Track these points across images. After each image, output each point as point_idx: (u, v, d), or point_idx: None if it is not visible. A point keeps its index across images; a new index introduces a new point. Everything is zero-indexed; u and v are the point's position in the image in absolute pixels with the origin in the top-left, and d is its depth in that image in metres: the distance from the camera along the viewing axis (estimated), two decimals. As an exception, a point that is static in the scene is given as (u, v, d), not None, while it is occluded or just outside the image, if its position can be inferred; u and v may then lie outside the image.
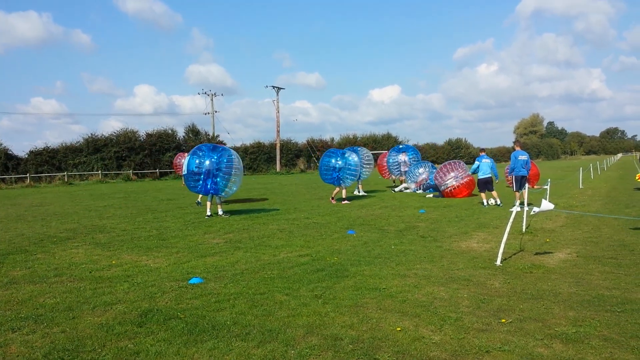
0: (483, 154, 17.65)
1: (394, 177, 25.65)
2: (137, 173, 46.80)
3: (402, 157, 24.33)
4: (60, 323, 5.29)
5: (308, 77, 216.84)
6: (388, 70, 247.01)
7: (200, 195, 18.73)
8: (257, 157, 57.72)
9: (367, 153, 22.46)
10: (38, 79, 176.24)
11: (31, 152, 44.92)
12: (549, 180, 16.83)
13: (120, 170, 46.00)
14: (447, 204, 17.29)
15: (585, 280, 6.82)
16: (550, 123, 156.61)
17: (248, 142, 59.92)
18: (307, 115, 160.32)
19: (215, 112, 58.79)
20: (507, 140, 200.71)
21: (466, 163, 20.91)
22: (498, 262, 7.80)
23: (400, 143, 67.13)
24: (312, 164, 61.20)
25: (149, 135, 50.04)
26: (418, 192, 22.15)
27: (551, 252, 8.71)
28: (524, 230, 10.82)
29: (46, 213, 16.84)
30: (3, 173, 41.85)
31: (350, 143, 62.50)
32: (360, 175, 21.23)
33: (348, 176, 18.28)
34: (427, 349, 4.48)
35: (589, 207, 15.52)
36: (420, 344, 4.57)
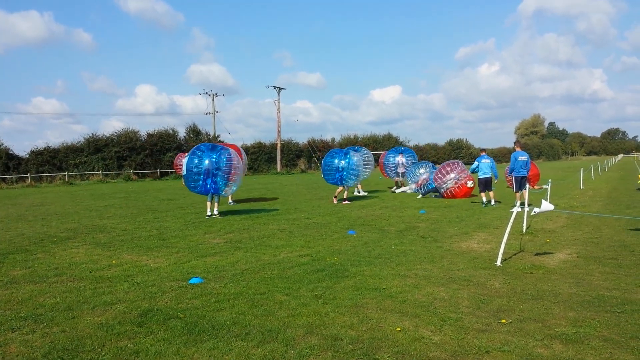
0: (484, 154, 17.67)
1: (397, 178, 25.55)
2: (138, 173, 46.84)
3: (400, 159, 24.24)
4: (60, 323, 5.29)
5: (309, 77, 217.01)
6: (389, 70, 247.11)
7: (230, 197, 18.85)
8: (258, 157, 57.76)
9: (367, 153, 22.45)
10: (39, 79, 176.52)
11: (32, 151, 44.98)
12: (549, 180, 16.82)
13: (121, 170, 46.04)
14: (448, 204, 17.29)
15: (585, 280, 6.81)
16: (552, 123, 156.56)
17: (249, 142, 60.01)
18: (308, 115, 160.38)
19: (217, 112, 58.82)
20: (508, 140, 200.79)
21: (467, 164, 20.86)
22: (498, 263, 7.79)
23: (401, 143, 67.24)
24: (312, 164, 61.20)
25: (149, 135, 50.10)
26: (419, 194, 22.05)
27: (551, 253, 8.71)
28: (524, 230, 10.82)
29: (47, 213, 16.85)
30: (4, 173, 41.89)
31: (351, 143, 62.48)
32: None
33: (351, 176, 18.28)
34: (427, 349, 4.47)
35: (590, 208, 15.51)
36: (420, 344, 4.57)
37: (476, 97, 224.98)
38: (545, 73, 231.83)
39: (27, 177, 40.55)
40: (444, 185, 19.44)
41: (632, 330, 4.85)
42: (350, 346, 4.55)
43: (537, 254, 8.60)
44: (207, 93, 59.07)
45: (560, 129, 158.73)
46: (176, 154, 42.35)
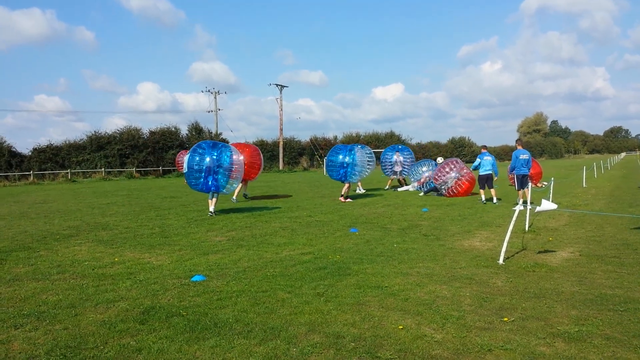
0: (485, 151, 17.72)
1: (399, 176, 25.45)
2: (140, 171, 46.86)
3: (397, 157, 24.03)
4: (62, 320, 5.30)
5: (311, 75, 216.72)
6: (391, 69, 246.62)
7: (236, 193, 18.94)
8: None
9: (368, 151, 22.40)
10: (41, 76, 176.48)
11: (35, 149, 45.01)
12: (552, 178, 16.80)
13: (123, 168, 46.07)
14: (450, 202, 17.28)
15: (588, 279, 6.80)
16: (554, 122, 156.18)
17: (251, 140, 59.94)
18: (310, 114, 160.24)
19: (219, 109, 58.84)
20: (510, 138, 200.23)
21: (469, 161, 20.85)
22: (501, 261, 7.79)
23: (403, 141, 67.18)
24: (315, 162, 61.20)
25: (152, 133, 50.08)
26: (421, 191, 22.00)
27: (554, 251, 8.70)
28: (526, 229, 10.81)
29: (49, 210, 16.88)
30: (7, 170, 41.94)
31: (354, 141, 62.45)
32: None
33: (355, 173, 18.26)
34: (429, 347, 4.47)
35: (593, 206, 15.48)
36: (423, 343, 4.57)
37: (479, 95, 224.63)
38: (547, 71, 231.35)
39: (30, 175, 40.60)
40: (444, 186, 19.41)
41: (635, 329, 4.84)
42: (353, 344, 4.55)
43: (539, 252, 8.59)
44: (209, 91, 59.09)
45: (563, 127, 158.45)
46: (178, 152, 42.39)
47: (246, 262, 8.09)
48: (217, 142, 14.59)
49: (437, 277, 6.92)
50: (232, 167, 14.01)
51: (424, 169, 22.77)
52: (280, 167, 57.02)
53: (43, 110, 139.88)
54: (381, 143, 65.19)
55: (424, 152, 69.98)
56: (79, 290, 6.46)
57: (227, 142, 52.22)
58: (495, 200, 16.93)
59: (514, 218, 8.27)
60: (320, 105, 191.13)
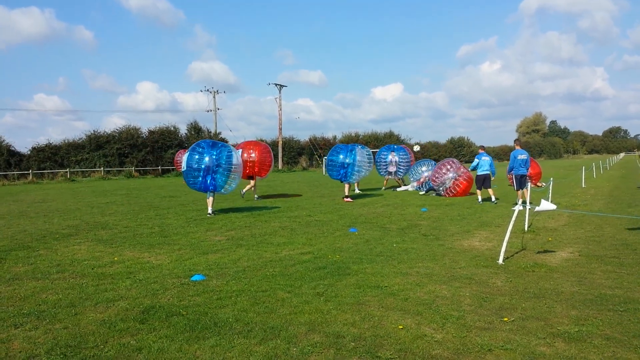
0: (482, 151, 17.82)
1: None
2: (139, 170, 46.86)
3: (392, 157, 23.81)
4: (62, 319, 5.30)
5: (310, 75, 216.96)
6: (391, 69, 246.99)
7: (246, 188, 19.21)
8: (259, 154, 57.61)
9: (367, 152, 22.37)
10: (41, 76, 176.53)
11: (34, 148, 45.00)
12: (551, 179, 16.81)
13: (122, 167, 46.06)
14: (449, 202, 17.29)
15: (587, 279, 6.81)
16: (553, 122, 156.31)
17: (250, 140, 59.89)
18: (309, 113, 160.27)
19: (218, 109, 58.84)
20: (509, 138, 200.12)
21: (468, 162, 20.87)
22: (500, 261, 7.79)
23: (402, 141, 67.16)
24: (314, 162, 61.19)
25: (151, 132, 50.08)
26: (420, 191, 21.98)
27: (553, 251, 8.70)
28: (526, 229, 10.82)
29: (48, 209, 16.86)
30: (6, 169, 41.92)
31: (353, 141, 62.47)
32: None
33: (355, 173, 18.23)
34: (429, 347, 4.48)
35: (592, 206, 15.50)
36: (422, 342, 4.57)
37: (478, 95, 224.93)
38: (547, 71, 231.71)
39: (29, 174, 40.59)
40: (442, 187, 19.43)
41: (635, 329, 4.85)
42: (353, 344, 4.55)
43: (539, 252, 8.59)
44: (208, 90, 59.22)
45: (562, 127, 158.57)
46: (177, 151, 42.36)
47: (246, 261, 8.09)
48: (217, 142, 14.57)
49: (437, 277, 6.93)
50: (231, 167, 13.99)
51: (424, 168, 22.77)
52: (280, 167, 57.01)
53: (42, 109, 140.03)
54: (380, 143, 65.14)
55: (424, 152, 69.98)
56: (79, 290, 6.46)
57: (227, 142, 52.32)
58: (493, 199, 16.98)
59: (514, 218, 8.27)
60: (320, 105, 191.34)
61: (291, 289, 6.39)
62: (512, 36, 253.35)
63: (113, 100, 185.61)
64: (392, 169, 23.70)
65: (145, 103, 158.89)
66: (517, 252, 8.60)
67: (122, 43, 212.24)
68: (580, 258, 8.15)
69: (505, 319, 5.19)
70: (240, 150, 19.39)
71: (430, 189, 20.54)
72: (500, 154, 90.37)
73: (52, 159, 44.97)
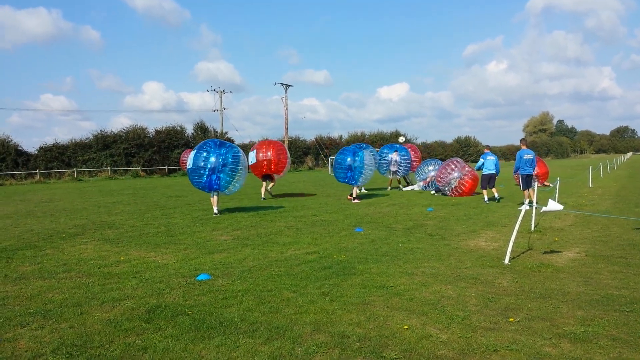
0: (488, 151, 17.84)
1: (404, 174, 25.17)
2: (146, 170, 47.00)
3: (393, 157, 23.41)
4: (68, 318, 5.32)
5: (316, 75, 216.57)
6: (396, 68, 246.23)
7: (263, 191, 19.46)
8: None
9: (373, 153, 22.30)
10: (47, 76, 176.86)
11: (41, 148, 45.19)
12: (558, 178, 16.75)
13: (129, 167, 46.22)
14: (455, 202, 17.25)
15: (594, 279, 6.78)
16: (560, 121, 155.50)
17: (256, 140, 59.94)
18: (315, 113, 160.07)
19: (224, 109, 58.94)
20: (516, 138, 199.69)
21: (474, 161, 20.82)
22: (506, 261, 7.77)
23: (409, 141, 67.02)
24: (320, 162, 61.20)
25: (157, 132, 50.23)
26: (429, 191, 21.91)
27: (560, 251, 8.67)
28: (532, 229, 10.77)
29: (55, 209, 16.94)
30: (13, 169, 42.12)
31: (358, 141, 62.45)
32: None
33: (361, 176, 18.15)
34: (434, 347, 4.47)
35: (599, 206, 15.42)
36: (428, 342, 4.56)
37: (484, 94, 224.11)
38: (553, 71, 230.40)
39: (36, 173, 40.78)
40: (448, 187, 19.40)
41: (641, 330, 4.82)
42: (358, 344, 4.55)
43: (545, 253, 8.56)
44: (214, 90, 59.23)
45: (569, 126, 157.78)
46: (183, 151, 42.45)
47: (251, 261, 8.10)
48: (224, 142, 14.58)
49: (443, 277, 6.91)
50: (237, 168, 13.99)
51: (430, 168, 22.71)
52: (286, 166, 56.90)
53: (49, 109, 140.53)
54: (386, 142, 65.08)
55: (430, 152, 69.88)
56: (85, 289, 6.48)
57: (233, 142, 52.44)
58: (497, 195, 17.09)
59: (520, 218, 8.24)
60: (325, 104, 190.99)
61: (296, 288, 6.39)
62: (518, 35, 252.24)
63: (119, 100, 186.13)
64: (393, 168, 23.53)
65: (151, 103, 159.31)
66: (523, 252, 8.57)
67: (129, 43, 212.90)
68: (586, 258, 8.12)
69: (511, 319, 5.17)
70: (255, 150, 19.62)
71: (437, 189, 20.48)
72: (506, 153, 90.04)
73: (59, 158, 45.14)
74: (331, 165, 33.60)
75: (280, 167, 19.63)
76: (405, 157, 23.56)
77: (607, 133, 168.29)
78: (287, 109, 58.83)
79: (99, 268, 7.71)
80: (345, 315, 5.32)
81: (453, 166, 19.72)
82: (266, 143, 20.20)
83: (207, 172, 13.72)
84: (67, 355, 4.35)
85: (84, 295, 6.21)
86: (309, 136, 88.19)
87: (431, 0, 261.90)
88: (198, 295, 6.13)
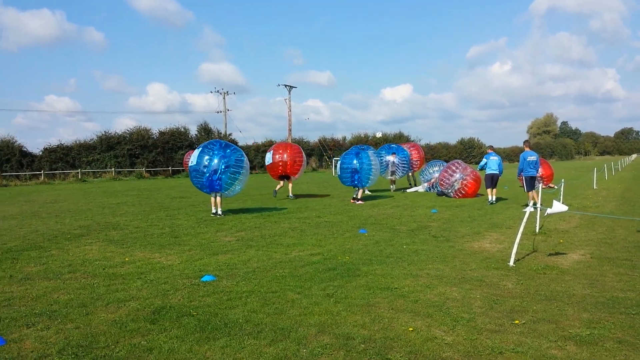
0: (491, 151, 17.83)
1: (410, 174, 25.04)
2: (150, 171, 47.11)
3: (391, 159, 23.31)
4: (74, 319, 5.33)
5: (319, 76, 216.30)
6: (400, 69, 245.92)
7: (278, 186, 19.84)
8: (269, 155, 57.71)
9: (375, 153, 22.27)
10: (52, 77, 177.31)
11: (45, 149, 45.35)
12: (563, 180, 16.71)
13: (133, 168, 46.33)
14: (459, 203, 17.22)
15: (599, 281, 6.76)
16: (564, 123, 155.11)
17: (260, 141, 60.02)
18: (319, 114, 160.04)
19: (228, 110, 59.04)
20: (519, 140, 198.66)
21: (478, 163, 20.79)
22: (511, 263, 7.75)
23: (411, 142, 66.91)
24: (323, 163, 61.20)
25: (161, 133, 50.35)
26: (433, 192, 21.90)
27: (565, 253, 8.65)
28: (537, 230, 10.75)
29: (60, 210, 16.99)
30: (18, 170, 42.27)
31: (362, 142, 62.41)
32: None
33: (371, 177, 18.14)
34: (439, 349, 4.46)
35: (603, 208, 15.38)
36: (433, 345, 4.55)
37: (488, 96, 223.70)
38: (557, 72, 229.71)
39: (41, 174, 40.90)
40: (451, 189, 19.38)
41: (648, 333, 4.80)
42: (363, 345, 4.55)
43: (550, 255, 8.54)
44: (218, 91, 59.43)
45: (573, 128, 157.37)
46: (187, 152, 42.48)
47: (256, 262, 8.10)
48: (229, 143, 14.59)
49: (447, 279, 6.90)
50: (240, 171, 13.98)
51: (435, 169, 22.69)
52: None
53: (53, 110, 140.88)
54: (391, 143, 64.95)
55: (433, 153, 69.82)
56: (90, 290, 6.50)
57: (237, 143, 52.56)
58: (494, 199, 17.12)
59: (525, 220, 8.22)
60: (329, 106, 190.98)
61: (301, 290, 6.39)
62: (522, 37, 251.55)
63: (123, 101, 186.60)
64: (391, 169, 23.40)
65: (155, 104, 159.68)
66: (528, 254, 8.55)
67: (132, 44, 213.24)
68: (592, 260, 8.09)
69: (516, 321, 5.16)
70: (272, 151, 19.95)
71: (440, 192, 20.46)
72: (510, 155, 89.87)
73: (64, 159, 45.30)
74: (335, 166, 33.57)
75: (295, 169, 19.99)
76: (404, 160, 23.40)
77: (612, 135, 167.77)
78: (290, 110, 58.91)
79: (104, 269, 7.72)
80: (350, 317, 5.32)
81: (454, 168, 19.73)
82: (283, 145, 20.65)
83: (209, 172, 13.70)
84: (73, 356, 4.36)
85: (89, 296, 6.23)
86: (313, 138, 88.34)
87: (434, 1, 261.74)
88: (203, 297, 6.14)
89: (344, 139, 67.39)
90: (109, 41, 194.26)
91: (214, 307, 5.72)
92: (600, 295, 6.11)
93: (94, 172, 44.50)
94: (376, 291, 6.30)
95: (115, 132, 48.15)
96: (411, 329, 4.95)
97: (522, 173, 15.51)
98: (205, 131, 54.33)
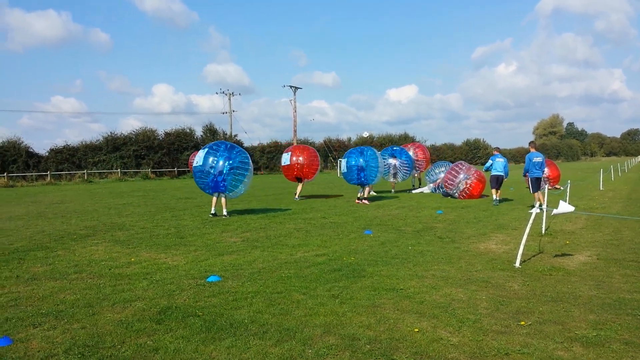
0: (497, 153, 17.86)
1: (416, 174, 24.95)
2: (156, 171, 47.25)
3: (393, 161, 23.09)
4: (80, 319, 5.35)
5: (324, 77, 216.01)
6: (405, 70, 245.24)
7: (297, 193, 20.06)
8: (274, 156, 57.90)
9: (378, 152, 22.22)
10: (57, 78, 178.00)
11: (52, 150, 45.62)
12: (569, 181, 16.65)
13: (139, 169, 46.48)
14: (465, 205, 17.19)
15: (605, 283, 6.73)
16: (570, 124, 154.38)
17: (265, 142, 60.14)
18: (324, 115, 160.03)
19: (233, 111, 59.17)
20: (525, 140, 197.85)
21: (484, 164, 20.77)
22: (517, 264, 7.73)
23: (416, 142, 66.83)
24: (329, 164, 61.21)
25: (167, 134, 50.56)
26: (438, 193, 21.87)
27: (571, 255, 8.61)
28: (543, 232, 10.72)
29: (66, 210, 17.06)
30: (24, 170, 42.49)
31: (367, 143, 62.38)
32: None
33: (376, 171, 18.18)
34: (445, 350, 4.45)
35: (610, 209, 15.32)
36: (439, 346, 4.55)
37: (493, 97, 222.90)
38: (563, 73, 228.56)
39: (47, 175, 41.09)
40: (456, 191, 19.36)
41: (655, 334, 4.78)
42: (368, 346, 4.54)
43: (556, 256, 8.51)
44: (223, 92, 59.61)
45: (579, 129, 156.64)
46: (192, 153, 42.55)
47: (261, 263, 8.11)
48: (234, 145, 14.62)
49: (453, 280, 6.89)
50: (245, 173, 14.00)
51: (442, 169, 22.64)
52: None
53: (59, 111, 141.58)
54: (395, 145, 64.92)
55: (439, 154, 69.72)
56: (96, 290, 6.52)
57: (242, 144, 52.63)
58: (497, 198, 17.09)
59: (531, 221, 8.19)
60: (334, 107, 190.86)
61: (306, 290, 6.39)
62: (527, 38, 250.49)
63: (129, 102, 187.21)
64: (393, 172, 23.27)
65: (161, 105, 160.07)
66: (534, 255, 8.53)
67: (138, 45, 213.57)
68: (598, 261, 8.06)
69: (522, 322, 5.14)
70: (290, 153, 20.35)
71: (445, 194, 20.43)
72: (516, 156, 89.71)
73: (70, 160, 45.53)
74: (339, 167, 33.59)
75: (312, 171, 20.41)
76: (406, 164, 23.10)
77: (618, 136, 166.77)
78: (295, 111, 58.96)
79: (109, 269, 7.75)
80: (356, 318, 5.32)
81: (458, 169, 19.72)
82: (300, 147, 21.16)
83: (214, 173, 13.72)
84: (79, 356, 4.37)
85: (95, 296, 6.25)
86: (318, 138, 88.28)
87: (439, 2, 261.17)
88: (208, 297, 6.15)
89: (349, 139, 67.42)
90: (114, 42, 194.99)
91: (219, 307, 5.73)
92: (606, 296, 6.09)
93: (100, 173, 44.68)
94: (382, 292, 6.29)
95: (121, 133, 48.47)
96: (417, 330, 4.94)
97: (527, 173, 15.51)
98: (211, 132, 54.48)
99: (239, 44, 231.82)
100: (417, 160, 24.44)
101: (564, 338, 4.71)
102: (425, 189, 23.04)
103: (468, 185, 19.10)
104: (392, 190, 23.78)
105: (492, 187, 17.35)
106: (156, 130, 50.21)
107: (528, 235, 8.11)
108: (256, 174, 51.13)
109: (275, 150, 58.24)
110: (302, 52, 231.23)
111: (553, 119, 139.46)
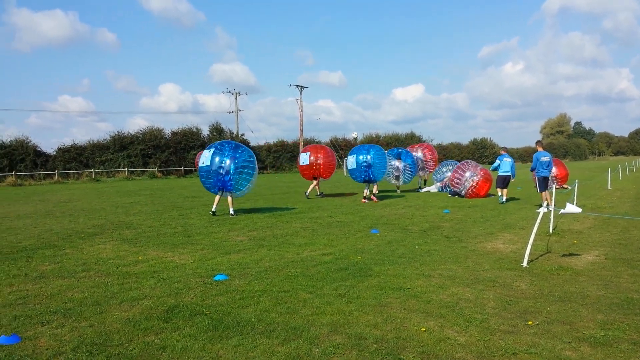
0: (505, 152, 17.85)
1: (422, 174, 24.82)
2: (163, 170, 47.39)
3: (397, 163, 22.70)
4: (88, 317, 5.38)
5: (331, 76, 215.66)
6: (411, 69, 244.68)
7: (310, 189, 20.37)
8: (281, 155, 57.95)
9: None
10: (65, 77, 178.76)
11: (59, 149, 45.81)
12: (577, 181, 16.57)
13: (146, 168, 46.64)
14: (472, 204, 17.14)
15: (613, 283, 6.69)
16: (578, 123, 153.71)
17: (271, 141, 60.15)
18: (330, 115, 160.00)
19: (240, 110, 59.22)
20: (532, 140, 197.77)
21: (490, 163, 20.72)
22: (524, 264, 7.70)
23: (424, 142, 66.68)
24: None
25: (174, 133, 50.68)
26: (446, 193, 21.80)
27: (579, 254, 8.57)
28: (551, 231, 10.67)
29: (74, 209, 17.14)
30: (32, 169, 42.71)
31: (373, 142, 62.30)
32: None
33: (383, 167, 18.21)
34: (452, 350, 4.44)
35: (618, 209, 15.23)
36: (446, 345, 4.54)
37: (500, 96, 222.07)
38: (570, 72, 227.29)
39: (55, 174, 41.30)
40: (462, 188, 19.32)
41: (663, 334, 4.75)
42: (375, 345, 4.54)
43: (564, 255, 8.47)
44: (229, 92, 59.57)
45: (587, 128, 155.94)
46: (198, 152, 42.65)
47: (268, 262, 8.12)
48: (240, 144, 14.64)
49: (460, 280, 6.87)
50: (251, 172, 14.00)
51: (448, 168, 22.58)
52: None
53: (67, 110, 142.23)
54: (401, 144, 64.87)
55: (446, 154, 69.57)
56: (104, 288, 6.55)
57: (248, 143, 52.70)
58: (504, 197, 17.06)
59: (538, 220, 8.16)
60: (340, 106, 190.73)
61: (313, 289, 6.39)
62: (534, 37, 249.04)
63: (136, 101, 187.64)
64: (396, 174, 23.09)
65: (167, 104, 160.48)
66: (541, 255, 8.49)
67: (144, 45, 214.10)
68: (606, 261, 8.02)
69: (530, 322, 5.12)
70: (309, 153, 20.61)
71: (453, 192, 20.38)
72: (523, 155, 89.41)
73: (78, 159, 45.73)
74: (346, 166, 33.56)
75: (330, 170, 20.77)
76: (410, 167, 22.76)
77: (626, 135, 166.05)
78: (302, 110, 58.93)
79: (117, 268, 7.78)
80: (362, 317, 5.31)
81: (464, 167, 19.71)
82: (317, 147, 21.45)
83: (221, 172, 13.73)
84: (87, 354, 4.40)
85: (103, 294, 6.28)
86: (324, 138, 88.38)
87: (445, 1, 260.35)
88: (215, 296, 6.17)
89: (355, 139, 67.33)
90: (121, 42, 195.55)
91: (226, 306, 5.74)
92: (614, 296, 6.05)
93: (107, 171, 44.84)
94: (388, 291, 6.28)
95: (128, 132, 48.62)
96: (424, 329, 4.94)
97: (534, 171, 15.51)
98: (217, 131, 54.53)
99: (245, 44, 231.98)
100: (426, 161, 24.38)
101: (572, 338, 4.69)
102: (433, 188, 22.98)
103: (475, 183, 19.06)
104: (398, 190, 23.69)
105: (497, 187, 17.34)
106: (163, 129, 50.39)
107: (535, 235, 8.08)
108: (262, 173, 51.21)
109: (281, 149, 58.27)
110: (309, 52, 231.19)
111: (560, 118, 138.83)
